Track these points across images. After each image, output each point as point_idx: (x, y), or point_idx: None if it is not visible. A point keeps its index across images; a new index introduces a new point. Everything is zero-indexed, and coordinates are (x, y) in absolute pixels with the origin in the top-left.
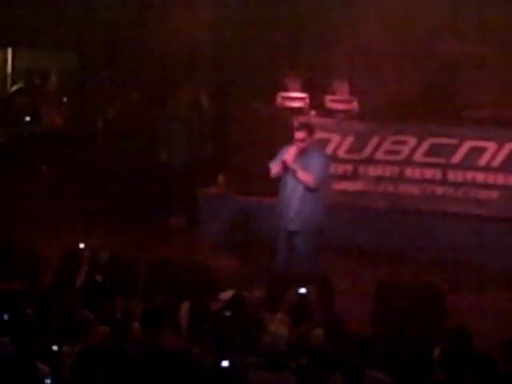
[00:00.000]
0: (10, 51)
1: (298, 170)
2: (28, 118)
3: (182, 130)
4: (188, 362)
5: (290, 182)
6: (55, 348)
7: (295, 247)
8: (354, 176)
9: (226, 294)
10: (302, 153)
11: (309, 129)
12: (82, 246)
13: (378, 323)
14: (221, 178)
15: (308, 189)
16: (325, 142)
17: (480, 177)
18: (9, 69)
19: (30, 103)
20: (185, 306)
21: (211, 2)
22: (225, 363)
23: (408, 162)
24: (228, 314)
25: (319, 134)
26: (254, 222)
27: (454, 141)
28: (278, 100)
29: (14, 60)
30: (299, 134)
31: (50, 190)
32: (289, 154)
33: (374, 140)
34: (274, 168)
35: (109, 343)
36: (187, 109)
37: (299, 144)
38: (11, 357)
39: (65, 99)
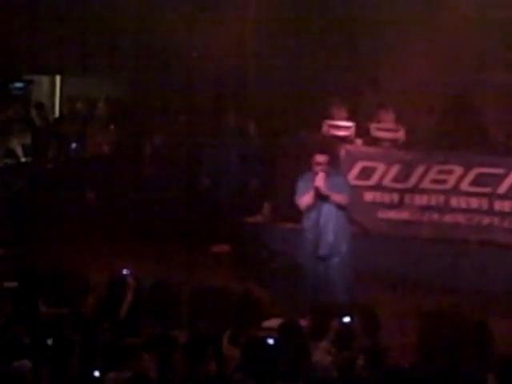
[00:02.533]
0: (58, 78)
1: (331, 193)
2: (75, 145)
3: (229, 157)
4: None
5: (323, 207)
6: (97, 374)
7: (332, 272)
8: (399, 205)
9: (271, 322)
10: (327, 176)
11: (329, 151)
12: (126, 272)
13: (424, 353)
14: (266, 207)
15: (341, 210)
16: (371, 171)
17: None
18: (57, 96)
19: (77, 130)
20: (228, 334)
21: (260, 31)
22: None
23: (454, 191)
24: (271, 341)
25: (365, 163)
26: (294, 251)
27: (500, 170)
28: (324, 128)
29: (62, 87)
30: (321, 158)
31: (97, 215)
32: (319, 180)
33: (420, 169)
34: (305, 199)
35: (153, 371)
36: (234, 136)
37: (324, 167)
38: None
39: (112, 126)
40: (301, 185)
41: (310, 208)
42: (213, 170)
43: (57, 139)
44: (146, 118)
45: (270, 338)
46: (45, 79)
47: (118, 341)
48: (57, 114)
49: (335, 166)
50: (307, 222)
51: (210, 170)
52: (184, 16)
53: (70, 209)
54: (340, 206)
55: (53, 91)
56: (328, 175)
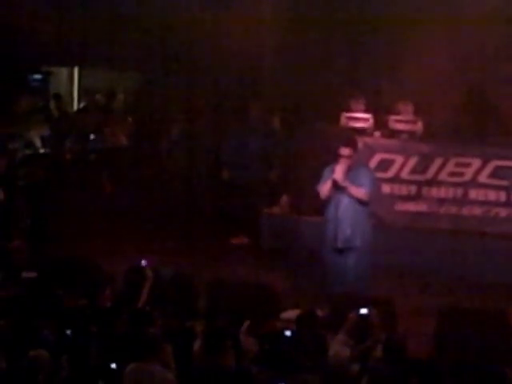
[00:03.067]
0: (76, 70)
1: (350, 187)
2: (93, 136)
3: (249, 149)
4: (248, 382)
5: (342, 200)
6: (113, 366)
7: (349, 264)
8: (417, 197)
9: (288, 314)
10: (349, 169)
11: (353, 144)
12: (144, 263)
13: (442, 347)
14: (284, 199)
15: (361, 204)
16: (389, 163)
17: None
18: (75, 87)
19: (95, 121)
20: (246, 326)
21: (279, 25)
22: None
23: (472, 183)
24: (288, 333)
25: (383, 155)
26: (314, 242)
27: None
28: (342, 120)
29: (81, 79)
30: (345, 151)
31: (114, 206)
32: (338, 172)
33: (438, 161)
34: (324, 189)
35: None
36: (257, 128)
37: (346, 160)
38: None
39: (129, 118)
40: (324, 175)
41: (329, 200)
42: (235, 162)
43: (75, 131)
44: (165, 110)
45: (288, 329)
46: (63, 71)
47: (139, 332)
48: (75, 105)
49: (360, 159)
50: (327, 214)
51: (232, 162)
52: (204, 11)
53: (88, 200)
54: (359, 200)
55: (71, 83)
56: (350, 168)
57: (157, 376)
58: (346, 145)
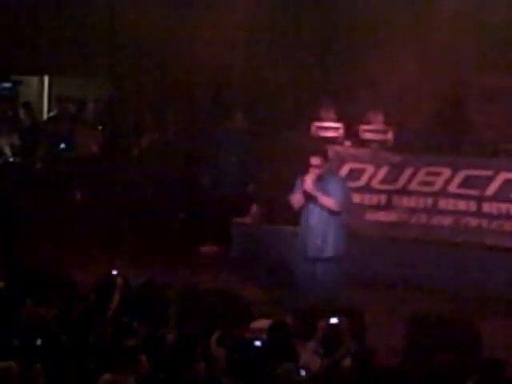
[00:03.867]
0: (46, 79)
1: (320, 197)
2: (63, 145)
3: (231, 157)
4: None
5: (313, 209)
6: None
7: (320, 274)
8: (387, 207)
9: (258, 323)
10: (319, 179)
11: (324, 154)
12: (114, 272)
13: (410, 355)
14: (254, 208)
15: (332, 214)
16: (359, 173)
17: None
18: (45, 96)
19: (66, 130)
20: (216, 335)
21: (250, 34)
22: None
23: (442, 193)
24: (258, 343)
25: (353, 164)
26: (282, 252)
27: (488, 172)
28: (313, 130)
29: (51, 87)
30: (315, 160)
31: (85, 215)
32: (308, 182)
33: (408, 171)
34: (296, 199)
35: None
36: (239, 137)
37: (316, 170)
38: None
39: (100, 127)
40: (296, 185)
41: (301, 209)
42: (210, 170)
43: (45, 139)
44: (135, 118)
45: (258, 339)
46: (33, 80)
47: (117, 343)
48: (45, 114)
49: (331, 169)
50: (300, 223)
51: (209, 170)
52: (177, 16)
53: (58, 209)
54: (330, 210)
55: (41, 92)
56: (321, 177)
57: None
58: (316, 154)
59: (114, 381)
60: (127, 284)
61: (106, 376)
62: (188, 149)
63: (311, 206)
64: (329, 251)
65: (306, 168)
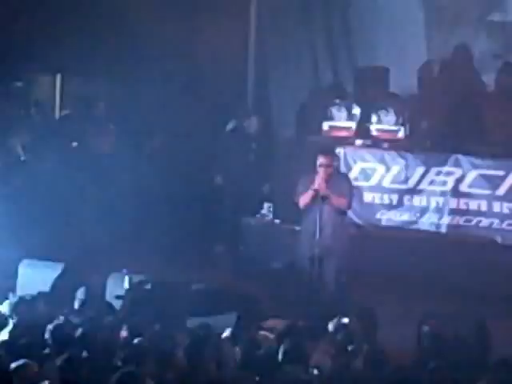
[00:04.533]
0: (59, 77)
1: (332, 196)
2: (75, 144)
3: (239, 157)
4: None
5: (321, 208)
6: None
7: (329, 273)
8: (398, 206)
9: (270, 323)
10: (329, 178)
11: (333, 153)
12: (125, 271)
13: (422, 355)
14: (266, 206)
15: (340, 213)
16: (370, 172)
17: None
18: (57, 95)
19: (78, 129)
20: (227, 334)
21: (258, 33)
22: None
23: (453, 192)
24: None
25: (365, 164)
26: (295, 251)
27: (499, 172)
28: (325, 129)
29: (63, 86)
30: (326, 159)
31: (96, 214)
32: (319, 181)
33: (420, 170)
34: (304, 199)
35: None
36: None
37: (326, 169)
38: None
39: (112, 126)
40: (301, 184)
41: (308, 209)
42: (223, 168)
43: (57, 138)
44: (147, 118)
45: (270, 338)
46: (45, 78)
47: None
48: (57, 113)
49: (339, 168)
50: (306, 223)
51: (219, 170)
52: (186, 19)
53: (69, 207)
54: (339, 209)
55: (53, 90)
56: (330, 177)
57: None
58: (326, 154)
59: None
60: (139, 284)
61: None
62: (201, 148)
63: (319, 205)
64: (338, 249)
65: (313, 167)
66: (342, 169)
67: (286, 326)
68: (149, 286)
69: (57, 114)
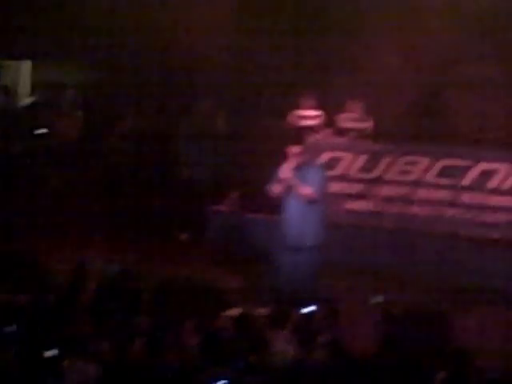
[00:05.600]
0: (26, 64)
1: (298, 185)
2: (42, 131)
3: (202, 146)
4: (190, 379)
5: (292, 198)
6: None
7: (299, 263)
8: (365, 195)
9: (233, 312)
10: (298, 168)
11: (302, 142)
12: (90, 259)
13: (384, 345)
14: (232, 195)
15: (310, 203)
16: (337, 161)
17: (491, 199)
18: (25, 81)
19: (45, 116)
20: (190, 323)
21: (226, 21)
22: (223, 383)
23: (419, 182)
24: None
25: (332, 153)
26: (262, 239)
27: (466, 162)
28: (292, 118)
29: (31, 73)
30: (294, 149)
31: (62, 202)
32: (286, 170)
33: (386, 160)
34: (275, 188)
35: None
36: (207, 126)
37: (295, 159)
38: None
39: (79, 113)
40: (275, 174)
41: (278, 198)
42: (186, 158)
43: (23, 125)
44: (114, 106)
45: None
46: (13, 64)
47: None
48: (24, 99)
49: (309, 157)
50: (275, 212)
51: (185, 159)
52: (157, 3)
53: (35, 195)
54: (309, 199)
55: (21, 77)
56: (299, 166)
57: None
58: (295, 143)
59: (75, 367)
60: (102, 272)
61: (67, 362)
62: (164, 135)
63: (290, 194)
64: (308, 239)
65: (285, 157)
66: (310, 158)
67: (242, 314)
68: (113, 274)
69: (24, 101)
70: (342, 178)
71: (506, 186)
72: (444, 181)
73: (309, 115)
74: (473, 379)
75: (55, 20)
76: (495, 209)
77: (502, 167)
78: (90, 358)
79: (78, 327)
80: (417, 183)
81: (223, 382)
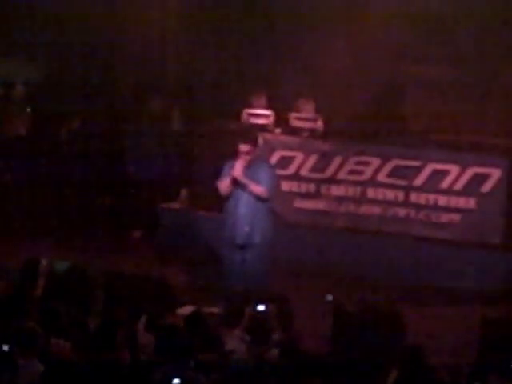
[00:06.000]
0: None
1: (249, 184)
2: None
3: (152, 143)
4: (143, 377)
5: (241, 196)
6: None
7: (248, 261)
8: (316, 195)
9: (184, 309)
10: (248, 166)
11: (253, 141)
12: (40, 257)
13: (337, 344)
14: (183, 193)
15: (260, 201)
16: (288, 160)
17: (442, 200)
18: None
19: None
20: (143, 320)
21: (178, 18)
22: (176, 381)
23: (371, 182)
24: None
25: (283, 152)
26: (212, 238)
27: (417, 163)
28: (243, 117)
29: None
30: (244, 147)
31: (11, 200)
32: (237, 168)
33: (338, 160)
34: (223, 185)
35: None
36: (157, 123)
37: (245, 157)
38: None
39: (29, 109)
40: (224, 171)
41: (229, 196)
42: (135, 156)
43: None
44: (64, 101)
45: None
46: None
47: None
48: None
49: (260, 156)
50: (226, 210)
51: (133, 155)
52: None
53: None
54: (259, 197)
55: None
56: (250, 164)
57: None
58: (246, 141)
59: (23, 365)
60: (52, 268)
61: (21, 361)
62: (114, 133)
63: (239, 192)
64: (257, 237)
65: (234, 154)
66: (261, 156)
67: (193, 313)
68: (64, 271)
69: None
70: (293, 177)
71: (457, 186)
72: (395, 181)
73: (260, 114)
74: (424, 377)
75: (3, 16)
76: (446, 209)
77: (452, 168)
78: (39, 355)
79: (27, 324)
80: (368, 183)
81: (175, 380)
